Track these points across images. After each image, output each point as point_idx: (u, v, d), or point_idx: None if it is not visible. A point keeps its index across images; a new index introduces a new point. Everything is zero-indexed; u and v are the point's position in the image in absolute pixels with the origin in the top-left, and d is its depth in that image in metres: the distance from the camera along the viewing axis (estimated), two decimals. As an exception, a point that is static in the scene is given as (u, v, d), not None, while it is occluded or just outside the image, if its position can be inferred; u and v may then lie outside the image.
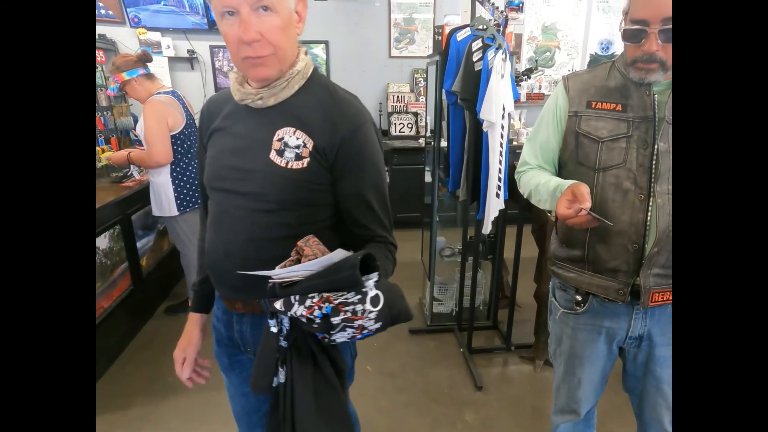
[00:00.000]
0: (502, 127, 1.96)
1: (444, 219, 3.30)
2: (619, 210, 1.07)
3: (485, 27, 2.02)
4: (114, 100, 2.69)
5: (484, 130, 1.90)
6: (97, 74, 2.56)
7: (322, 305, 0.67)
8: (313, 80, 0.95)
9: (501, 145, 1.99)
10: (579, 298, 1.21)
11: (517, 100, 2.16)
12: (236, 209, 0.93)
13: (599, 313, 1.20)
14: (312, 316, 0.68)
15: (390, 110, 4.57)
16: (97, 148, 2.65)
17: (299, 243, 0.76)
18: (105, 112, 2.61)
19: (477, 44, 1.94)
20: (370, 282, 0.68)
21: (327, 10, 4.37)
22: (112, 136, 2.70)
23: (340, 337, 0.69)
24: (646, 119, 1.04)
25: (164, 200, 2.46)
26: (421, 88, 4.62)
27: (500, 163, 2.02)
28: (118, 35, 4.13)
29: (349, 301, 0.67)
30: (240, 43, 0.82)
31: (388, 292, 0.71)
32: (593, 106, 1.11)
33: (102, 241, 2.36)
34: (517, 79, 4.28)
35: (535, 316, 2.43)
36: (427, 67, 3.41)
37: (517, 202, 2.38)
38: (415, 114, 4.56)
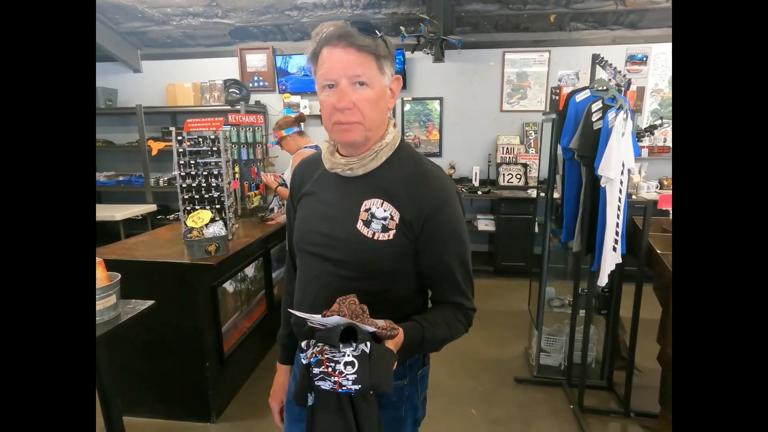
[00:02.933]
0: (621, 183, 2.01)
1: (553, 270, 3.28)
2: None
3: (606, 88, 2.12)
4: (267, 152, 3.26)
5: (602, 185, 1.96)
6: (257, 133, 3.14)
7: (318, 355, 0.76)
8: (401, 152, 0.98)
9: (619, 200, 2.02)
10: None
11: (638, 157, 2.19)
12: (323, 273, 0.97)
13: None
14: (309, 362, 0.77)
15: (499, 161, 4.71)
16: (250, 192, 3.19)
17: (339, 299, 0.82)
18: (259, 163, 3.16)
19: (597, 105, 2.05)
20: (348, 349, 0.73)
21: (443, 70, 4.76)
22: (261, 182, 3.24)
23: (322, 384, 0.74)
24: None
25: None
26: (532, 141, 4.71)
27: (618, 217, 2.04)
28: (268, 100, 4.99)
29: (333, 359, 0.73)
30: (334, 109, 0.89)
31: (376, 364, 0.75)
32: None
33: (249, 270, 2.80)
34: (638, 135, 4.21)
35: (660, 382, 2.29)
36: (542, 123, 3.52)
37: (636, 257, 2.34)
38: (525, 165, 4.63)
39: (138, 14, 4.54)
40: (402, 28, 3.92)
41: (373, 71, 0.89)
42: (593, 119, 2.01)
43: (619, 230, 2.08)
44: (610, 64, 2.23)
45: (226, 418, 2.43)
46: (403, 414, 1.06)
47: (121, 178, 5.11)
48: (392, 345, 0.82)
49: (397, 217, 0.93)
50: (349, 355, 0.73)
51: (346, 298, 0.83)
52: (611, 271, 2.12)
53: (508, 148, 4.71)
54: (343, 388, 0.73)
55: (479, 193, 4.50)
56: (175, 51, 5.08)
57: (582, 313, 2.55)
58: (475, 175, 4.76)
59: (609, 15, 4.31)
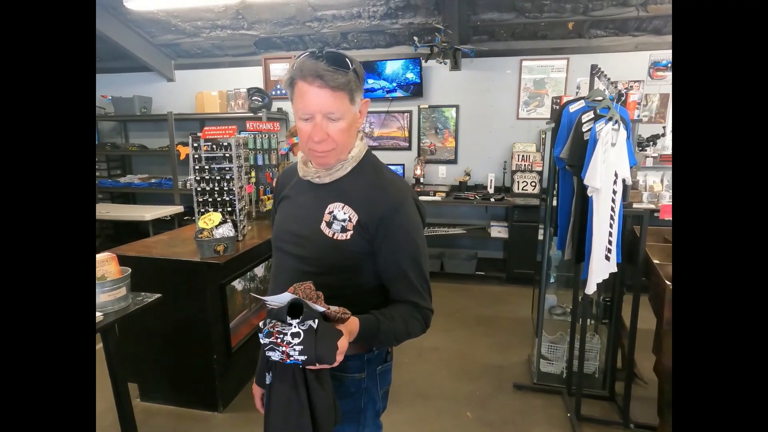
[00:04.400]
0: (614, 192, 2.03)
1: (560, 279, 3.28)
2: None
3: (601, 99, 2.15)
4: (280, 158, 3.42)
5: (589, 194, 1.99)
6: (272, 140, 3.31)
7: (269, 328, 0.85)
8: (365, 161, 1.10)
9: (612, 209, 2.04)
10: None
11: (634, 167, 2.19)
12: (290, 268, 1.09)
13: None
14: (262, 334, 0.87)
15: (514, 168, 4.71)
16: (263, 196, 3.36)
17: (295, 285, 0.89)
18: (273, 169, 3.33)
19: (588, 116, 2.08)
20: (295, 321, 0.81)
21: (459, 78, 4.81)
22: (276, 186, 3.42)
23: (272, 355, 0.82)
24: None
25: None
26: (547, 148, 4.69)
27: (610, 226, 2.06)
28: (290, 108, 5.16)
29: (282, 331, 0.81)
30: (310, 139, 1.00)
31: (322, 338, 0.82)
32: None
33: (259, 270, 2.96)
34: (640, 144, 4.12)
35: (660, 395, 2.27)
36: (547, 132, 3.53)
37: (634, 267, 2.33)
38: (540, 173, 4.62)
39: (171, 27, 4.84)
40: (415, 38, 4.02)
41: (345, 106, 0.99)
42: (583, 129, 2.04)
43: (613, 239, 2.09)
44: (606, 75, 2.25)
45: (233, 409, 2.58)
46: (362, 405, 1.16)
47: (152, 181, 5.43)
48: (344, 329, 0.89)
49: (354, 219, 1.03)
50: (295, 327, 0.81)
51: (302, 283, 0.92)
52: (611, 281, 2.13)
53: (524, 156, 4.71)
54: (291, 358, 0.81)
55: (492, 200, 4.53)
56: (204, 61, 5.38)
57: (581, 322, 2.55)
58: (490, 182, 4.78)
59: (631, 21, 4.25)
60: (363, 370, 1.13)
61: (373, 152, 1.16)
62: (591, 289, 2.07)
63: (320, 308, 0.85)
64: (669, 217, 2.46)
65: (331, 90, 0.96)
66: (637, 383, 2.70)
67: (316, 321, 0.83)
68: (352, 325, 0.94)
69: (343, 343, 0.86)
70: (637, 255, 2.29)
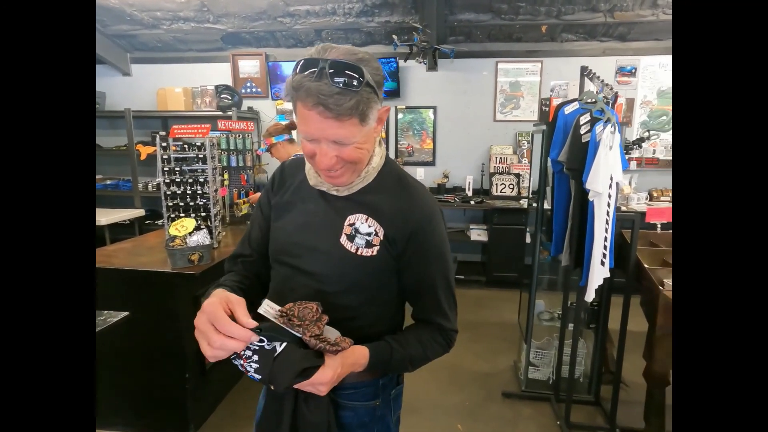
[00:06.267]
0: (609, 196, 1.99)
1: (544, 282, 3.26)
2: None
3: (594, 101, 2.11)
4: (256, 160, 3.22)
5: (590, 199, 1.94)
6: (246, 140, 3.10)
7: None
8: (386, 169, 0.97)
9: (608, 213, 2.00)
10: None
11: (625, 170, 2.17)
12: (301, 287, 0.93)
13: None
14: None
15: (492, 171, 4.70)
16: (239, 199, 3.15)
17: (298, 302, 0.86)
18: (248, 171, 3.13)
19: (585, 118, 2.03)
20: (255, 339, 0.78)
21: (437, 79, 4.76)
22: (252, 190, 3.20)
23: (234, 361, 0.81)
24: None
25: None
26: (525, 151, 4.71)
27: (606, 231, 2.02)
28: (261, 107, 4.96)
29: (248, 346, 0.79)
30: (317, 164, 0.86)
31: (280, 363, 0.78)
32: None
33: (235, 278, 2.75)
34: (626, 148, 4.22)
35: (645, 398, 2.27)
36: (533, 134, 3.51)
37: (625, 271, 2.32)
38: (517, 175, 4.62)
39: (126, 17, 4.50)
40: (395, 36, 3.92)
41: (355, 130, 0.81)
42: (581, 132, 1.99)
43: (608, 244, 2.05)
44: (598, 77, 2.22)
45: (206, 430, 2.37)
46: None
47: (108, 182, 5.05)
48: (339, 359, 0.82)
49: (381, 233, 0.91)
50: (255, 345, 0.79)
51: (304, 303, 0.85)
52: (599, 286, 2.10)
53: (501, 158, 4.71)
54: (248, 373, 0.80)
55: (472, 203, 4.49)
56: (166, 55, 5.05)
57: (571, 327, 2.52)
58: (469, 184, 4.74)
59: (599, 27, 4.33)
60: (377, 396, 1.02)
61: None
62: (591, 295, 2.03)
63: (297, 334, 0.80)
64: (655, 221, 2.47)
65: (336, 119, 0.78)
66: (621, 387, 2.71)
67: (282, 345, 0.80)
68: (356, 357, 0.87)
69: (325, 375, 0.79)
70: (627, 259, 2.27)
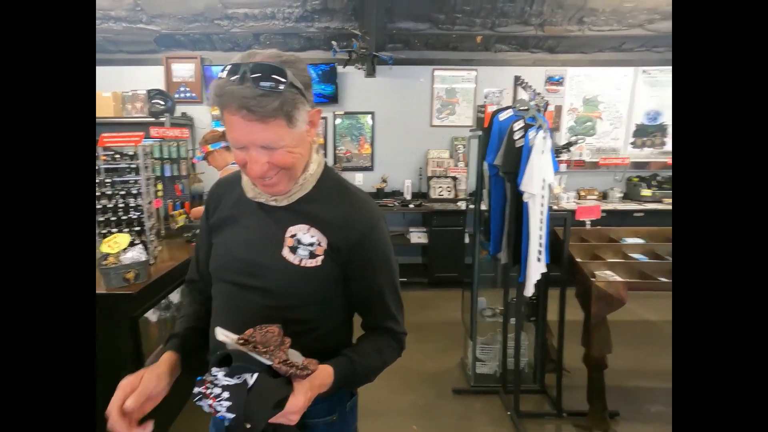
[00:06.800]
0: (543, 197, 2.13)
1: (483, 279, 3.40)
2: None
3: (527, 108, 2.25)
4: (190, 168, 3.09)
5: (525, 200, 2.07)
6: (181, 148, 2.97)
7: (206, 375, 0.76)
8: (325, 177, 0.96)
9: (542, 213, 2.15)
10: None
11: (556, 172, 2.34)
12: (247, 304, 0.91)
13: None
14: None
15: (430, 174, 4.83)
16: (174, 211, 3.00)
17: (257, 327, 0.80)
18: (183, 180, 3.00)
19: (519, 124, 2.17)
20: (220, 374, 0.73)
21: (375, 85, 4.82)
22: (188, 200, 3.07)
23: (201, 405, 0.74)
24: None
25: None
26: (461, 155, 4.89)
27: (541, 229, 2.17)
28: (196, 113, 4.76)
29: (214, 381, 0.74)
30: (249, 171, 0.85)
31: (255, 397, 0.73)
32: None
33: (174, 296, 2.62)
34: (556, 151, 4.51)
35: (587, 382, 2.43)
36: (469, 139, 3.67)
37: (559, 265, 2.49)
38: (454, 178, 4.79)
39: (44, 17, 4.15)
40: (334, 42, 3.93)
41: (283, 132, 0.81)
42: (515, 137, 2.12)
43: (543, 242, 2.20)
44: (530, 86, 2.37)
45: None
46: None
47: (24, 197, 4.60)
48: (308, 384, 0.79)
49: (324, 243, 0.90)
50: (223, 381, 0.73)
51: (264, 327, 0.80)
52: (537, 280, 2.24)
53: (438, 162, 4.86)
54: (219, 413, 0.73)
55: (411, 206, 4.59)
56: (89, 58, 4.70)
57: (513, 321, 2.66)
58: (407, 188, 4.85)
59: (530, 39, 4.60)
60: (334, 411, 1.01)
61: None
62: (529, 290, 2.16)
63: (266, 361, 0.75)
64: (585, 218, 2.68)
65: (261, 121, 0.78)
66: (564, 374, 2.89)
67: (254, 376, 0.74)
68: (322, 377, 0.84)
69: (297, 403, 0.76)
70: (561, 255, 2.45)
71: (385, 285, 0.97)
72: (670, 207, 2.74)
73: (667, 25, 4.30)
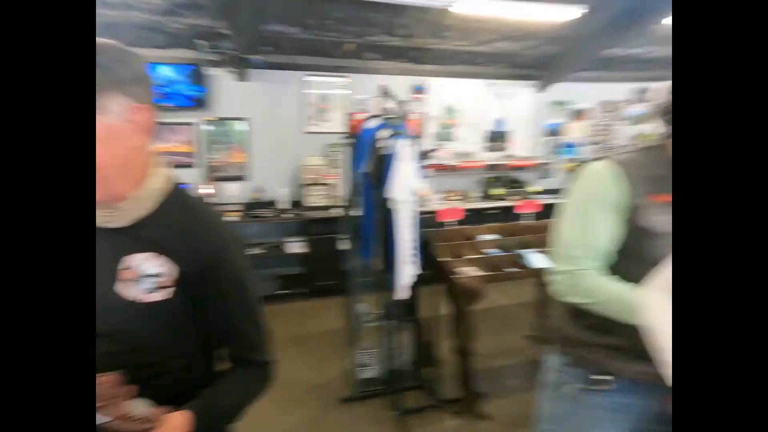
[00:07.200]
0: (410, 203, 2.24)
1: (363, 285, 3.44)
2: None
3: (392, 117, 2.34)
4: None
5: (390, 207, 2.15)
6: None
7: None
8: (175, 197, 0.86)
9: (411, 218, 2.25)
10: (608, 378, 1.11)
11: (423, 177, 2.47)
12: None
13: (630, 390, 1.11)
14: None
15: (305, 182, 4.76)
16: None
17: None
18: None
19: (384, 132, 2.24)
20: None
21: (248, 90, 4.60)
22: None
23: None
24: None
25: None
26: (339, 161, 4.91)
27: (411, 233, 2.27)
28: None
29: None
30: None
31: None
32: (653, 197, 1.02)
33: None
34: (421, 158, 4.77)
35: (458, 370, 2.59)
36: (344, 147, 3.71)
37: (429, 266, 2.64)
38: (330, 185, 4.78)
39: None
40: (200, 41, 3.62)
41: None
42: (380, 145, 2.19)
43: (415, 245, 2.31)
44: (394, 95, 2.47)
45: None
46: None
47: None
48: None
49: (175, 272, 0.81)
50: None
51: (102, 376, 0.71)
52: (410, 282, 2.34)
53: (313, 169, 4.80)
54: None
55: (288, 215, 4.49)
56: None
57: (390, 323, 2.74)
58: (284, 197, 4.72)
59: (398, 49, 4.80)
60: None
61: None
62: (402, 293, 2.24)
63: (103, 418, 0.69)
64: (444, 219, 2.89)
65: None
66: (438, 365, 3.06)
67: None
68: (176, 426, 0.77)
69: None
70: (428, 256, 2.60)
71: (242, 314, 0.90)
72: (515, 203, 3.29)
73: (506, 45, 4.84)
